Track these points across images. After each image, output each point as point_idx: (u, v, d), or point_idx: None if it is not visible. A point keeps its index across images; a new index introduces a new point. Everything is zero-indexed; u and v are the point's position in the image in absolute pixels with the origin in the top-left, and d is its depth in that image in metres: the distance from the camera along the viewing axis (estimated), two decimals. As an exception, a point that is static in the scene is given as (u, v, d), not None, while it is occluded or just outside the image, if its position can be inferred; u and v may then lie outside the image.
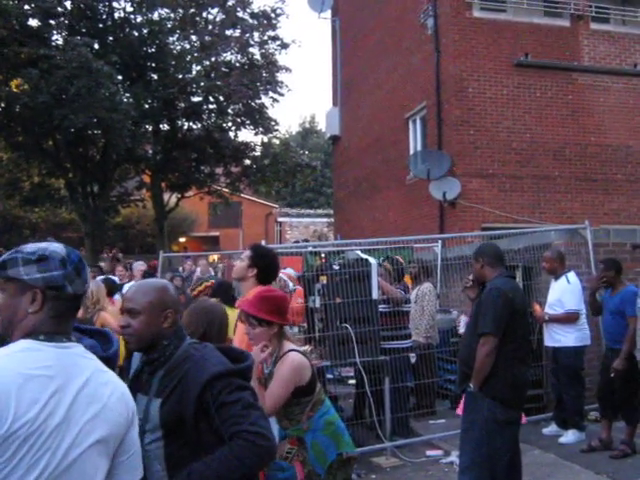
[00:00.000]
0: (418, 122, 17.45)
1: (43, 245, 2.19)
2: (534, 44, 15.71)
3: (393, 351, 8.23)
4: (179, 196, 28.74)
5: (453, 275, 9.99)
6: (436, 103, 15.89)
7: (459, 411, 5.35)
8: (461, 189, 14.94)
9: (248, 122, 27.72)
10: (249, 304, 3.95)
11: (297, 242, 26.51)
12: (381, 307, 8.19)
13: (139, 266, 12.15)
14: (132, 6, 25.36)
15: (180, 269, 16.69)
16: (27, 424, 1.90)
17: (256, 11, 27.46)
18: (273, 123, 28.61)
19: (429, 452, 7.89)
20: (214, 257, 24.50)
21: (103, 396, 2.12)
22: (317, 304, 8.02)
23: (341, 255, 9.25)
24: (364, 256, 8.01)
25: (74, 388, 2.03)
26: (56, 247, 2.19)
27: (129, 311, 2.83)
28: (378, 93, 19.50)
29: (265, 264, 4.76)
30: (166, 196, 28.67)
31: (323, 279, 8.12)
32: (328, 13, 23.13)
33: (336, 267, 7.90)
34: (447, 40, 15.64)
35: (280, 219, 45.29)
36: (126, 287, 7.65)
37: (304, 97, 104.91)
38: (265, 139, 30.10)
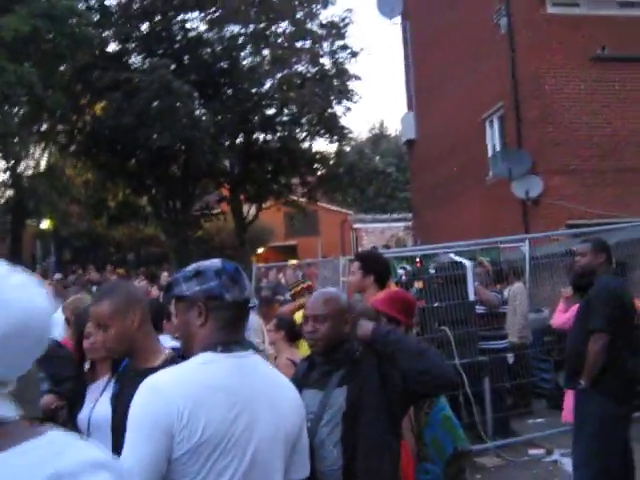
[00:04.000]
0: (495, 122, 17.38)
1: (200, 262, 2.37)
2: (610, 37, 15.46)
3: (490, 351, 8.28)
4: (258, 207, 29.23)
5: (542, 274, 9.96)
6: (513, 102, 15.82)
7: (567, 416, 5.38)
8: (543, 187, 14.83)
9: (322, 131, 28.03)
10: (381, 301, 4.05)
11: (375, 248, 26.54)
12: (477, 308, 8.26)
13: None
14: (205, 25, 26.01)
15: (264, 281, 16.87)
16: (216, 433, 2.06)
17: (325, 22, 27.78)
18: (346, 131, 28.86)
19: (531, 451, 7.89)
20: (293, 262, 24.76)
21: (280, 400, 2.28)
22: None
23: (434, 259, 9.35)
24: (458, 259, 8.10)
25: (254, 395, 2.19)
26: (212, 261, 2.34)
27: (315, 318, 3.02)
28: (453, 95, 19.47)
29: (378, 267, 4.82)
30: (245, 208, 29.21)
31: (418, 284, 8.22)
32: (398, 18, 23.24)
33: (432, 271, 8.01)
34: (521, 38, 15.56)
35: (356, 225, 45.33)
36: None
37: (372, 103, 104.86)
38: (338, 147, 30.35)
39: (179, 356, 2.54)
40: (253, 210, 29.53)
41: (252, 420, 2.15)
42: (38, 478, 0.98)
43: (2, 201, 29.81)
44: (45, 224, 31.47)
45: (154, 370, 2.35)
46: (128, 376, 2.86)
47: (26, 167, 28.85)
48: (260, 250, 37.58)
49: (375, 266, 4.81)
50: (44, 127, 23.18)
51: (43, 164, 29.96)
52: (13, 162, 26.76)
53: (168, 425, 2.03)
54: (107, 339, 2.84)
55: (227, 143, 26.72)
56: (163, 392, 2.08)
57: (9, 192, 28.85)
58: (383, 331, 2.99)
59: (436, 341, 7.55)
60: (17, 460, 0.98)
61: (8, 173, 28.03)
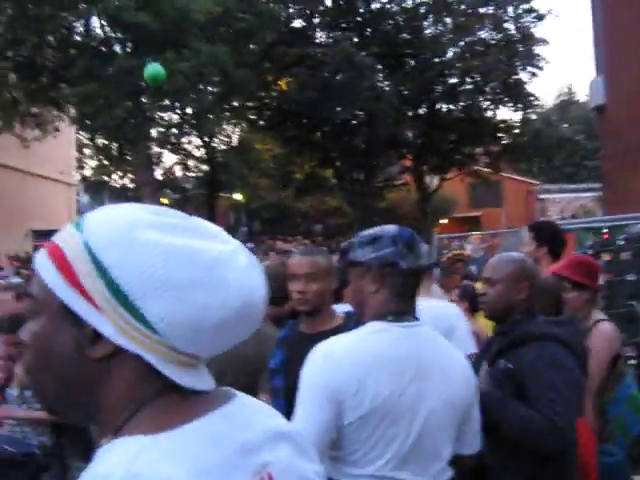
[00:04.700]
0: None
1: (377, 228, 2.30)
2: None
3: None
4: (441, 178, 29.03)
5: None
6: None
7: None
8: None
9: (506, 99, 27.26)
10: (563, 267, 3.94)
11: (563, 219, 25.58)
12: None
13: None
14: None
15: (445, 252, 16.74)
16: (385, 401, 2.06)
17: (509, -15, 26.85)
18: (532, 98, 27.86)
19: None
20: (476, 236, 24.38)
21: (450, 371, 2.23)
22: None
23: (624, 230, 8.91)
24: (652, 230, 7.68)
25: (424, 365, 2.15)
26: (388, 228, 2.27)
27: (487, 280, 2.95)
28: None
29: (552, 238, 4.62)
30: (428, 179, 29.11)
31: (605, 256, 7.89)
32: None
33: (621, 242, 7.66)
34: None
35: (541, 196, 43.83)
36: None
37: (559, 68, 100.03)
38: (524, 115, 29.37)
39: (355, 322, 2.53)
40: (436, 181, 29.37)
41: (422, 390, 2.13)
42: (231, 447, 0.99)
43: (199, 175, 31.78)
44: (237, 197, 33.16)
45: (326, 334, 2.39)
46: (294, 340, 2.92)
47: (219, 143, 30.55)
48: (443, 221, 37.34)
49: (549, 237, 4.60)
50: (235, 104, 24.27)
51: (234, 140, 31.59)
52: (207, 138, 28.41)
53: (339, 393, 2.05)
54: (316, 290, 2.89)
55: (410, 114, 26.70)
56: (335, 360, 2.10)
57: (204, 167, 30.66)
58: (492, 398, 2.68)
59: (623, 317, 7.24)
60: (210, 429, 0.99)
61: (203, 149, 29.82)
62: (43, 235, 20.44)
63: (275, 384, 2.98)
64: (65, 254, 0.98)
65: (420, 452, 2.14)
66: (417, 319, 2.28)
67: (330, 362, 2.11)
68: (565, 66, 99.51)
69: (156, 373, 0.99)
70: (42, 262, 1.01)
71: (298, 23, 25.37)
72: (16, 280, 8.12)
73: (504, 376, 2.76)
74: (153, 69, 6.67)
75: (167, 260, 0.95)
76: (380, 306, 2.23)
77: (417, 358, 2.16)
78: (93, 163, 33.70)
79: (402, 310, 2.23)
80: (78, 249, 0.97)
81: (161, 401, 0.99)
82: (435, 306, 4.43)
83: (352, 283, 2.35)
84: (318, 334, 2.43)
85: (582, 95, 57.08)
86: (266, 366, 3.07)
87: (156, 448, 0.92)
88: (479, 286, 5.76)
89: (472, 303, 5.52)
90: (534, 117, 32.22)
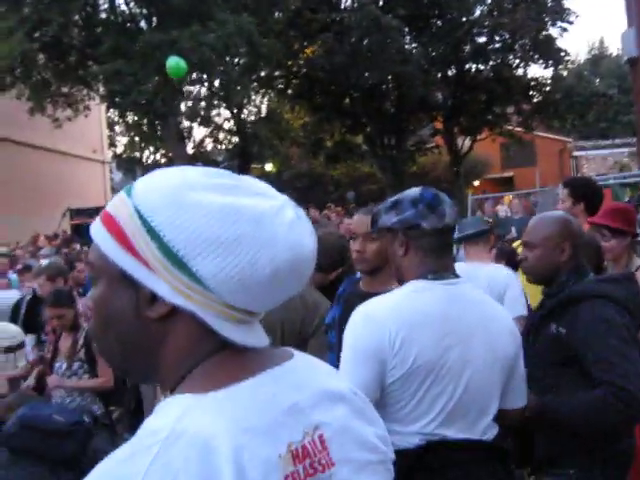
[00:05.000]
0: None
1: (402, 192, 2.36)
2: None
3: None
4: (472, 139, 28.73)
5: None
6: None
7: None
8: None
9: (537, 56, 26.77)
10: (601, 215, 3.91)
11: (599, 175, 25.19)
12: None
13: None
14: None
15: (478, 213, 16.64)
16: (429, 359, 2.08)
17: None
18: (563, 54, 27.33)
19: None
20: (509, 197, 24.18)
21: (494, 327, 2.25)
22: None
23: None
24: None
25: (468, 322, 2.17)
26: (410, 191, 2.32)
27: (526, 244, 2.86)
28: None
29: (589, 193, 4.49)
30: (459, 141, 28.84)
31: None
32: None
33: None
34: None
35: (575, 153, 43.16)
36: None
37: (590, 21, 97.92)
38: (555, 72, 28.84)
39: None
40: (468, 142, 29.07)
41: (466, 347, 2.14)
42: (279, 407, 1.01)
43: (229, 147, 31.86)
44: (269, 167, 33.20)
45: (384, 293, 2.41)
46: (352, 297, 2.93)
47: (248, 114, 30.55)
48: (476, 183, 37.05)
49: (585, 193, 4.47)
50: (262, 74, 24.21)
51: (263, 110, 31.55)
52: (236, 110, 28.40)
53: (381, 352, 2.08)
54: (375, 250, 2.91)
55: (439, 76, 26.39)
56: (376, 319, 2.13)
57: (235, 138, 30.70)
58: (539, 409, 2.54)
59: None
60: (261, 388, 1.01)
61: (232, 121, 29.84)
62: (80, 213, 20.71)
63: (330, 339, 3.05)
64: (118, 220, 1.02)
65: (466, 409, 2.16)
66: (457, 276, 2.29)
67: (371, 322, 2.14)
68: (596, 19, 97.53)
69: (210, 332, 1.02)
70: (97, 230, 1.06)
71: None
72: (45, 262, 8.22)
73: (555, 342, 2.66)
74: (175, 62, 6.62)
75: (215, 219, 0.98)
76: (413, 268, 2.28)
77: (460, 315, 2.18)
78: (124, 140, 34.01)
79: (439, 268, 2.25)
80: (129, 214, 1.01)
81: (215, 359, 1.03)
82: (488, 270, 4.46)
83: (388, 248, 2.40)
84: (376, 293, 2.42)
85: (614, 48, 55.94)
86: (309, 333, 3.11)
87: (203, 407, 0.96)
88: (517, 245, 5.74)
89: (509, 263, 5.48)
90: (565, 73, 31.65)
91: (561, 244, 2.71)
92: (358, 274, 3.20)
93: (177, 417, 0.93)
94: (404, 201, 2.29)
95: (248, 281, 0.99)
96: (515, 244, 6.00)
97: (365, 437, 1.12)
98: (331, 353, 2.94)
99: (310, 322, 3.22)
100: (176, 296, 1.00)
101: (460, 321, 2.17)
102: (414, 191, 2.31)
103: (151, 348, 1.05)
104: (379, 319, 2.13)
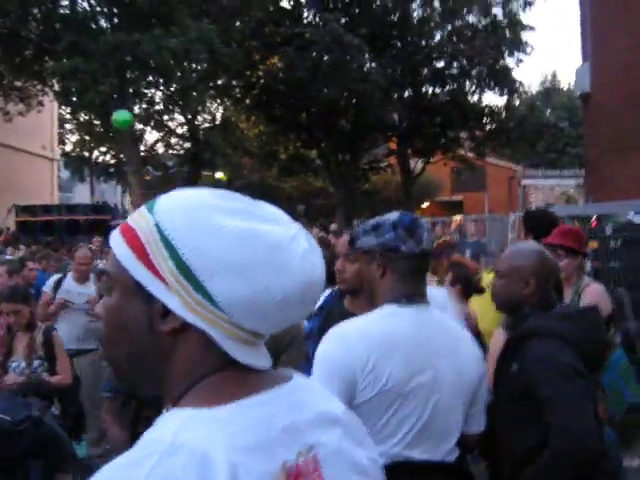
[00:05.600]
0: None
1: (381, 216, 2.39)
2: None
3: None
4: (425, 162, 29.08)
5: None
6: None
7: None
8: None
9: (492, 84, 27.29)
10: (555, 236, 4.12)
11: (548, 205, 25.71)
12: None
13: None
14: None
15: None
16: (399, 382, 2.12)
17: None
18: (517, 84, 27.92)
19: None
20: (457, 219, 24.49)
21: (461, 353, 2.29)
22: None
23: (611, 218, 9.00)
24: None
25: (436, 347, 2.22)
26: (390, 214, 2.36)
27: (496, 271, 2.85)
28: (633, 45, 18.29)
29: (542, 226, 4.62)
30: (412, 162, 29.16)
31: (592, 244, 7.97)
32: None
33: (608, 231, 7.75)
34: None
35: (524, 182, 43.97)
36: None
37: (544, 54, 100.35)
38: (508, 101, 29.42)
39: None
40: (420, 164, 29.42)
41: (435, 371, 2.18)
42: (276, 426, 1.03)
43: (181, 152, 31.59)
44: (219, 175, 33.02)
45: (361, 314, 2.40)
46: (334, 312, 2.99)
47: (203, 121, 30.35)
48: (425, 204, 37.45)
49: (540, 225, 4.66)
50: (220, 82, 24.12)
51: (218, 118, 31.40)
52: (191, 116, 28.20)
53: (350, 372, 2.11)
54: (353, 271, 2.91)
55: (396, 96, 26.67)
56: (347, 341, 2.15)
57: (187, 144, 30.47)
58: None
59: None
60: (259, 408, 1.03)
61: (186, 127, 29.61)
62: (26, 210, 20.26)
63: (308, 349, 3.06)
64: (138, 234, 1.05)
65: (432, 431, 2.19)
66: (427, 302, 2.32)
67: (343, 343, 2.16)
68: (549, 53, 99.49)
69: (216, 349, 1.05)
70: (116, 241, 1.09)
71: (286, 2, 25.24)
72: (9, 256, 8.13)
73: (510, 377, 2.58)
74: (122, 115, 6.65)
75: (234, 242, 1.01)
76: (388, 291, 2.31)
77: (430, 340, 2.22)
78: (74, 138, 33.44)
79: (412, 292, 2.28)
80: (150, 230, 1.05)
81: (218, 376, 1.05)
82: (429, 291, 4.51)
83: (363, 269, 2.42)
84: (356, 314, 2.44)
85: (565, 83, 57.36)
86: (281, 350, 3.11)
87: (203, 422, 0.98)
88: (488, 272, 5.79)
89: (465, 287, 5.52)
90: (518, 103, 32.27)
91: (526, 277, 2.65)
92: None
93: (177, 430, 0.95)
94: (384, 224, 2.32)
95: (259, 305, 1.02)
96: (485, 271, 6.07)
97: (357, 460, 1.14)
98: (308, 364, 2.92)
99: (282, 337, 3.20)
100: (188, 312, 1.03)
101: (430, 346, 2.21)
102: (393, 215, 2.34)
103: (158, 360, 1.07)
104: (350, 341, 2.16)
